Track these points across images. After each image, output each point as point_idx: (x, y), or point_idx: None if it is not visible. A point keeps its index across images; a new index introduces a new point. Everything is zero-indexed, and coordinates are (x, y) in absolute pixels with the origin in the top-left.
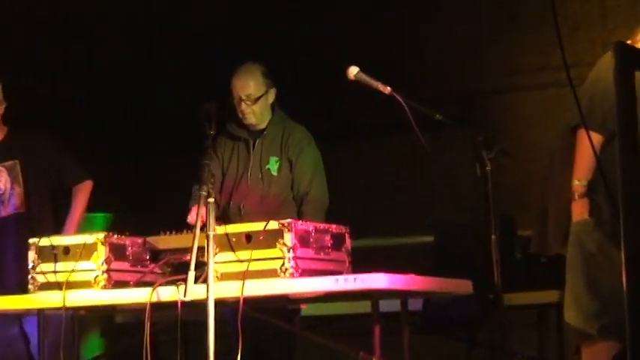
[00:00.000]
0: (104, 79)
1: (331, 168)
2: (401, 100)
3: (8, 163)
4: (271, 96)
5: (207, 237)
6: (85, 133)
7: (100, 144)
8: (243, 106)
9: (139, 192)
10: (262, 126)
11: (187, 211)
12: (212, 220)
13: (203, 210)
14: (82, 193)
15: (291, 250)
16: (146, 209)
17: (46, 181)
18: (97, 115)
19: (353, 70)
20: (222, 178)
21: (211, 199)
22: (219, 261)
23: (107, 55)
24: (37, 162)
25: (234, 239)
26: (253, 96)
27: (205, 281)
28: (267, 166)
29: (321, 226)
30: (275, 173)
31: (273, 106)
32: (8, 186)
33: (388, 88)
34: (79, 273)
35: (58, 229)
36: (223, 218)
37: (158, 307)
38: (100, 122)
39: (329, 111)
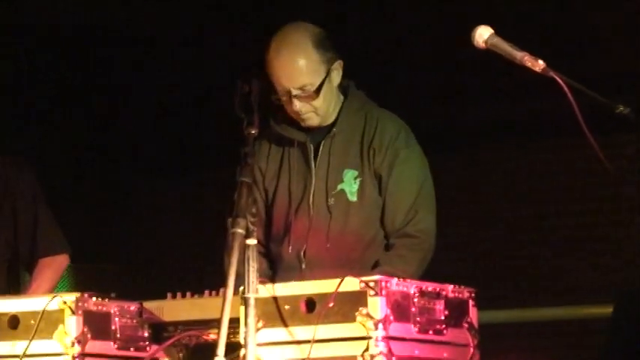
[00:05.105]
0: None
1: (441, 193)
2: (561, 81)
3: None
4: (336, 73)
5: (246, 302)
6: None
7: (56, 152)
8: (297, 104)
9: (129, 229)
10: (328, 120)
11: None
12: (253, 276)
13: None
14: (53, 269)
15: (380, 326)
16: (141, 257)
17: (6, 234)
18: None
19: (483, 33)
20: (268, 209)
21: (252, 241)
22: (263, 342)
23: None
24: (4, 201)
25: (287, 307)
26: (310, 86)
27: None
28: (339, 187)
29: (430, 286)
30: (354, 198)
31: (343, 86)
32: None
33: (540, 62)
34: (35, 359)
35: None
36: (272, 274)
37: None
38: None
39: (437, 105)
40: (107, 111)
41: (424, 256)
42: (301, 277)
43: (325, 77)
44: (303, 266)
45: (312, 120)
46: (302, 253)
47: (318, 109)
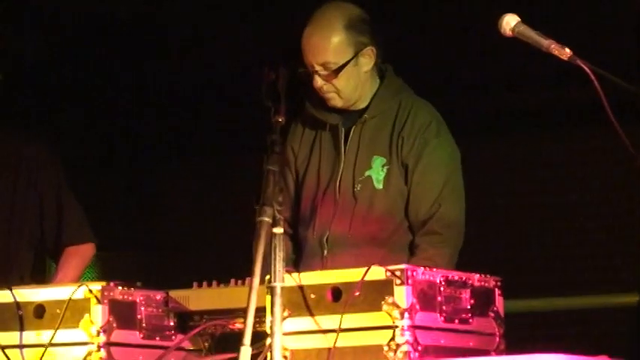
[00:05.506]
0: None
1: (469, 184)
2: (588, 70)
3: None
4: (366, 60)
5: (272, 291)
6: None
7: (80, 136)
8: (318, 81)
9: (154, 216)
10: (362, 104)
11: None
12: (279, 265)
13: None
14: (79, 258)
15: (406, 315)
16: (165, 244)
17: (31, 225)
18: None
19: (510, 21)
20: (298, 190)
21: (278, 229)
22: (289, 331)
23: None
24: (28, 185)
25: (313, 295)
26: (333, 65)
27: None
28: (367, 173)
29: (456, 275)
30: (380, 186)
31: (381, 70)
32: None
33: (567, 50)
34: (60, 349)
35: None
36: (296, 260)
37: None
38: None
39: (467, 90)
40: (128, 99)
41: (452, 251)
42: (323, 264)
43: (350, 60)
44: (325, 253)
45: (335, 100)
46: (325, 239)
47: (340, 91)
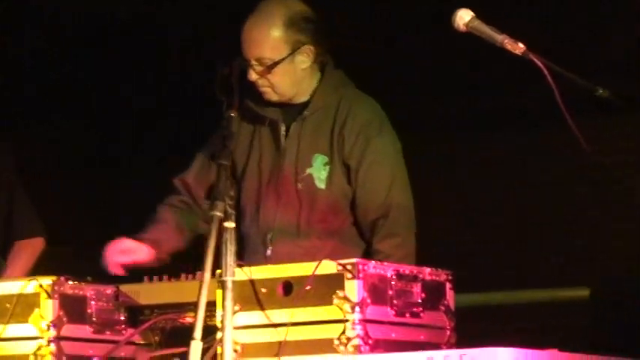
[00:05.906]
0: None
1: (423, 179)
2: (540, 64)
3: None
4: (304, 58)
5: (223, 285)
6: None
7: (39, 131)
8: (253, 75)
9: (105, 210)
10: (302, 98)
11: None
12: (230, 258)
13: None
14: (29, 253)
15: (357, 309)
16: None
17: None
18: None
19: (464, 16)
20: (237, 183)
21: (230, 224)
22: (240, 325)
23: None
24: None
25: (264, 289)
26: (268, 61)
27: (217, 358)
28: (308, 171)
29: (407, 269)
30: (322, 185)
31: (322, 66)
32: None
33: (520, 45)
34: (10, 343)
35: None
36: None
37: None
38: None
39: (408, 91)
40: (128, 99)
41: (414, 247)
42: (266, 263)
43: (285, 58)
44: (269, 252)
45: (270, 95)
46: (268, 238)
47: (274, 87)
